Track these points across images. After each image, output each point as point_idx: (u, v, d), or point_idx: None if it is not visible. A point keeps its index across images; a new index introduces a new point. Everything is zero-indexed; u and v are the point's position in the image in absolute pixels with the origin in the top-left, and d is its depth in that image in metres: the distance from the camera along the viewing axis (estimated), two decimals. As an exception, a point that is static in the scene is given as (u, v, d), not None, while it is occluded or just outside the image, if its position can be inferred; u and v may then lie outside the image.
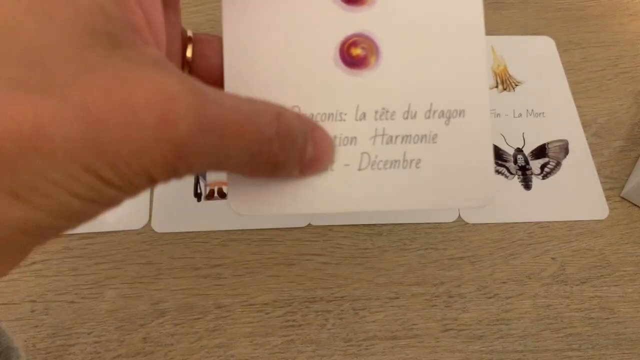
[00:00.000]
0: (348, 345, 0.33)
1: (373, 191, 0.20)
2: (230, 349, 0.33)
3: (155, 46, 0.16)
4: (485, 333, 0.34)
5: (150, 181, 0.15)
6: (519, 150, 0.40)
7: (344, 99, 0.20)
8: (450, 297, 0.35)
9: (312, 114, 0.20)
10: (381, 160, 0.20)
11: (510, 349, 0.34)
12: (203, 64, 0.22)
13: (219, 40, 0.21)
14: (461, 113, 0.20)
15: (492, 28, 0.47)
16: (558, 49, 0.46)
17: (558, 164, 0.40)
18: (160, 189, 0.38)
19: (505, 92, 0.43)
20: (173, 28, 0.20)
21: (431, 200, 0.20)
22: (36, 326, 0.33)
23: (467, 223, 0.38)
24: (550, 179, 0.39)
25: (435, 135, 0.20)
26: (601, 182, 0.40)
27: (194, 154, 0.15)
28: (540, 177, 0.39)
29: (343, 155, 0.20)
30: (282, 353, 0.33)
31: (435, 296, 0.35)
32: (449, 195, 0.20)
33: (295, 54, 0.20)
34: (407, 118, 0.20)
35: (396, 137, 0.20)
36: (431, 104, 0.20)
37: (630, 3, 0.49)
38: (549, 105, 0.43)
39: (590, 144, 0.41)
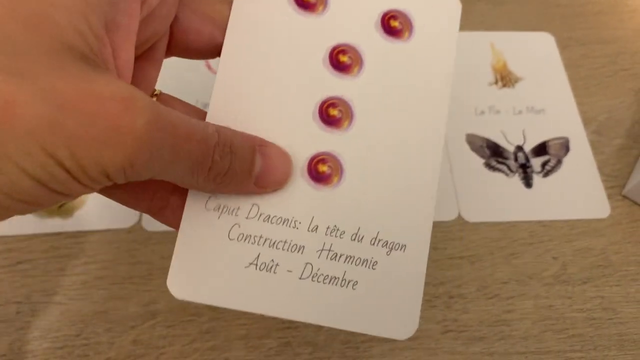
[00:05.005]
0: (346, 348, 0.32)
1: (308, 302, 0.21)
2: (224, 352, 0.32)
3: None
4: (486, 334, 0.33)
5: (104, 175, 0.15)
6: (519, 148, 0.40)
7: (302, 209, 0.21)
8: (451, 297, 0.34)
9: (269, 216, 0.21)
10: (322, 274, 0.21)
11: (512, 351, 0.33)
12: None
13: (184, 106, 0.22)
14: (402, 247, 0.22)
15: (492, 23, 0.46)
16: (557, 45, 0.45)
17: (559, 162, 0.39)
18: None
19: (505, 89, 0.42)
20: (147, 82, 0.21)
21: (358, 324, 0.21)
22: (22, 328, 0.32)
23: (467, 222, 0.37)
24: (551, 177, 0.39)
25: (376, 262, 0.21)
26: (602, 181, 0.39)
27: (150, 151, 0.16)
28: (541, 175, 0.39)
29: (288, 261, 0.21)
30: (278, 356, 0.32)
31: (435, 297, 0.34)
32: (375, 322, 0.21)
33: None
34: (354, 240, 0.21)
35: (341, 255, 0.21)
36: (378, 233, 0.22)
37: (629, 0, 0.49)
38: (549, 102, 0.42)
39: (591, 142, 0.41)
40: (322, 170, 0.22)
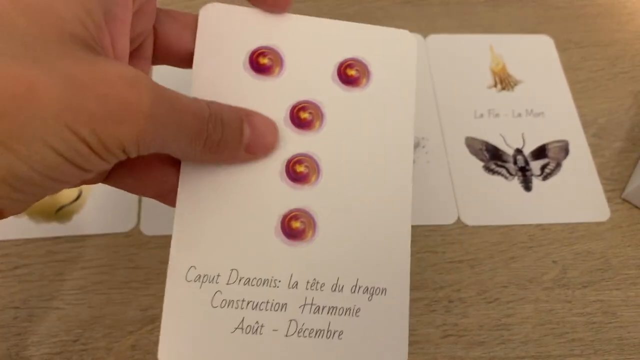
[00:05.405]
0: (345, 353, 0.32)
1: (297, 358, 0.21)
2: (223, 357, 0.32)
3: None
4: (486, 339, 0.33)
5: (121, 148, 0.17)
6: (519, 151, 0.40)
7: (280, 267, 0.22)
8: (450, 301, 0.34)
9: (249, 278, 0.22)
10: (307, 329, 0.21)
11: (512, 355, 0.33)
12: None
13: None
14: (383, 291, 0.22)
15: (490, 26, 0.46)
16: (557, 48, 0.45)
17: (558, 165, 0.39)
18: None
19: (504, 92, 0.42)
20: None
21: None
22: (19, 334, 0.32)
23: (467, 225, 0.37)
24: (551, 180, 0.39)
25: (359, 309, 0.22)
26: (602, 184, 0.39)
27: (156, 125, 0.17)
28: (540, 178, 0.39)
29: (273, 320, 0.21)
30: None
31: (435, 301, 0.34)
32: None
33: (241, 223, 0.22)
34: (334, 290, 0.22)
35: (323, 307, 0.22)
36: (357, 280, 0.22)
37: (627, 2, 0.49)
38: (548, 105, 0.42)
39: (591, 145, 0.40)
40: (295, 227, 0.22)
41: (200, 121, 0.19)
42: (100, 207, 0.36)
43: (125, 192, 0.37)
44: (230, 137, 0.21)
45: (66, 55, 0.16)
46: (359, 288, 0.22)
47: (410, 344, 0.32)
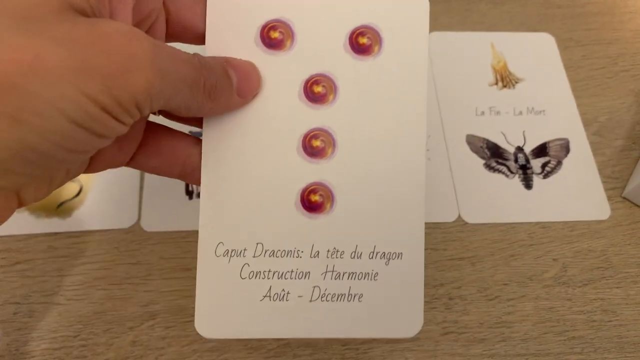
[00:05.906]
0: (346, 349, 0.32)
1: (321, 320, 0.23)
2: (223, 353, 0.32)
3: None
4: (486, 336, 0.33)
5: (134, 104, 0.17)
6: (520, 149, 0.40)
7: (302, 238, 0.23)
8: (451, 299, 0.34)
9: (274, 250, 0.23)
10: (330, 293, 0.23)
11: (512, 353, 0.33)
12: None
13: None
14: (399, 256, 0.23)
15: (492, 24, 0.46)
16: (558, 46, 0.45)
17: (559, 163, 0.39)
18: (150, 186, 0.36)
19: (505, 89, 0.42)
20: None
21: (369, 330, 0.23)
22: (19, 329, 0.32)
23: (467, 223, 0.37)
24: (551, 178, 0.39)
25: (377, 273, 0.23)
26: (602, 182, 0.39)
27: (161, 75, 0.17)
28: (541, 176, 0.39)
29: (297, 287, 0.23)
30: (278, 357, 0.32)
31: (435, 298, 0.34)
32: (385, 326, 0.23)
33: (262, 199, 0.23)
34: (353, 257, 0.23)
35: (344, 273, 0.23)
36: (374, 247, 0.23)
37: (629, 0, 0.49)
38: (549, 103, 0.42)
39: (591, 143, 0.40)
40: (314, 200, 0.23)
41: (195, 68, 0.19)
42: (101, 203, 0.36)
43: (126, 188, 0.37)
44: (221, 82, 0.21)
45: (65, 21, 0.16)
46: (377, 254, 0.23)
47: (410, 340, 0.33)
